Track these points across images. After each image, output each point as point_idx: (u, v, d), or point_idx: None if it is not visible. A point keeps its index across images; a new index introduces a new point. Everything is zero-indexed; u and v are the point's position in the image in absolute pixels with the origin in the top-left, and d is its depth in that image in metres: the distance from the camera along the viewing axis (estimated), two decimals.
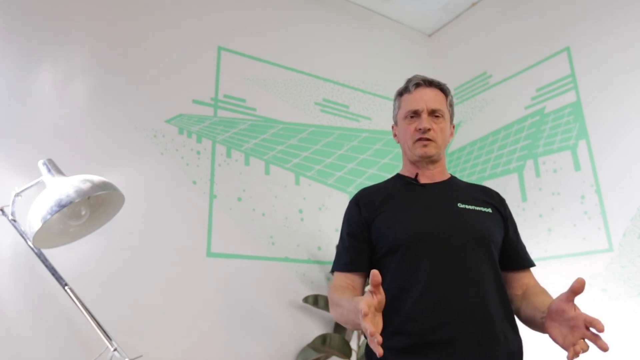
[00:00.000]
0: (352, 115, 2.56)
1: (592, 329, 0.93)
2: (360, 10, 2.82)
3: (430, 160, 1.31)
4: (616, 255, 1.90)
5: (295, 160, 2.30)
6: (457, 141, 2.73)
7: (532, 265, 1.32)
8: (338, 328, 2.07)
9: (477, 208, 1.27)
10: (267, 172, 2.20)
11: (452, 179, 1.38)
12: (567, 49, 2.24)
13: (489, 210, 1.29)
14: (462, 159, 2.67)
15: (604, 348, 0.90)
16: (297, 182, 2.27)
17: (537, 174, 2.26)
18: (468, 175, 2.58)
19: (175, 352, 1.77)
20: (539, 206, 2.23)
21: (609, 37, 2.09)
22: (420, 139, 1.28)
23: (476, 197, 1.31)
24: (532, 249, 2.19)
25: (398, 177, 1.39)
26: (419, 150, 1.28)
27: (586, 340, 0.95)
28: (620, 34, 2.05)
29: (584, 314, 0.96)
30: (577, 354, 0.93)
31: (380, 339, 0.86)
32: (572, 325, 0.97)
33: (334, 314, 1.22)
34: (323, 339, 1.95)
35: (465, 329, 1.10)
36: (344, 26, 2.72)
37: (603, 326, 0.91)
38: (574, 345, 0.95)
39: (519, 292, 1.26)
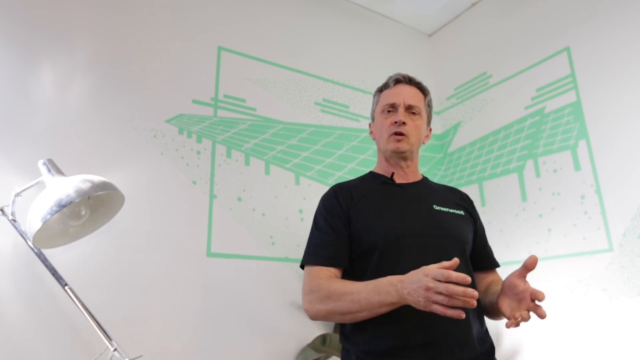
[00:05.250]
0: (352, 115, 2.56)
1: (536, 301, 1.02)
2: (360, 10, 2.82)
3: (402, 157, 1.31)
4: (616, 255, 1.90)
5: (295, 160, 2.30)
6: (457, 141, 2.73)
7: (498, 266, 1.37)
8: (338, 328, 2.07)
9: (451, 210, 1.29)
10: (267, 172, 2.20)
11: (425, 180, 1.39)
12: (567, 49, 2.24)
13: (462, 212, 1.31)
14: (462, 159, 2.67)
15: (541, 315, 1.00)
16: (297, 182, 2.27)
17: (537, 174, 2.26)
18: (468, 175, 2.58)
19: (175, 352, 1.77)
20: (539, 206, 2.23)
21: (609, 37, 2.09)
22: (394, 134, 1.28)
23: (449, 199, 1.33)
24: (532, 249, 2.20)
25: (372, 175, 1.38)
26: (392, 145, 1.29)
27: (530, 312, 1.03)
28: (620, 33, 2.05)
29: (531, 287, 1.03)
30: (517, 323, 1.01)
31: (476, 292, 0.93)
32: (520, 298, 1.04)
33: (336, 305, 1.12)
34: (323, 339, 1.95)
35: (443, 331, 1.11)
36: (344, 26, 2.72)
37: (544, 295, 1.00)
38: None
39: (482, 289, 1.30)
